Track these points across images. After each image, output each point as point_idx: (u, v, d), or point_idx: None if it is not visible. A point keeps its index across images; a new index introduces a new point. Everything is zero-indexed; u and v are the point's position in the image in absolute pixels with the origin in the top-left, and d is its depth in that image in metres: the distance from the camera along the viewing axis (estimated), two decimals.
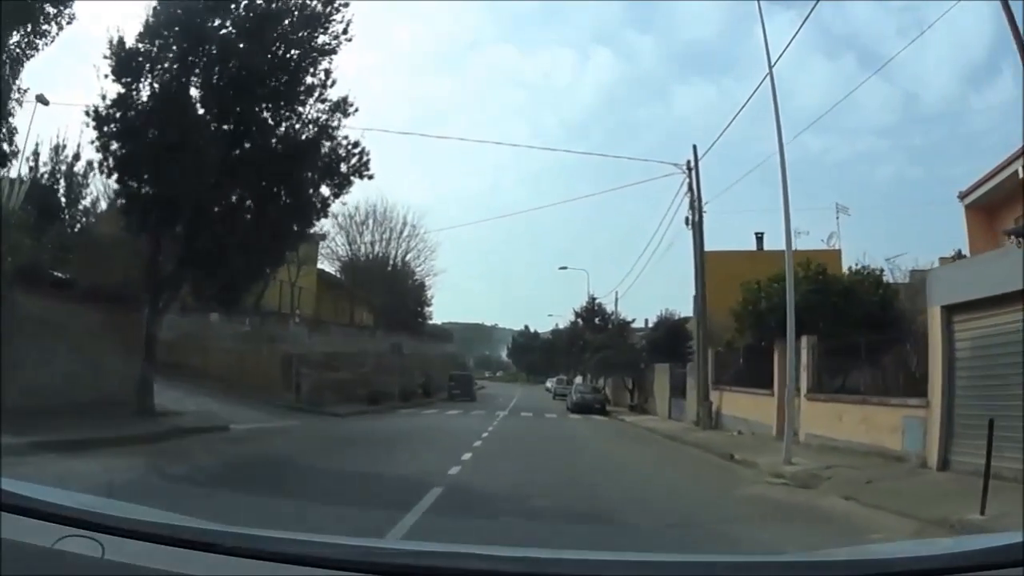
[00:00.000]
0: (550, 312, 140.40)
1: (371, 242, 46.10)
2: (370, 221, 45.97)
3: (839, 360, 16.54)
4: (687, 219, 24.37)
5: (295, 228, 16.36)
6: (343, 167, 15.81)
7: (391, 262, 47.30)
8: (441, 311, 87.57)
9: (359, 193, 69.36)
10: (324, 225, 42.85)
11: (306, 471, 8.63)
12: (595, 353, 36.60)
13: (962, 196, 20.48)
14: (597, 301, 46.36)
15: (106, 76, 15.43)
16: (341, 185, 15.97)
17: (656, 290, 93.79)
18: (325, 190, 16.31)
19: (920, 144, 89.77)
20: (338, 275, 45.24)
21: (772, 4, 71.16)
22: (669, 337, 33.72)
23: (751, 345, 19.76)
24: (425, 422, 23.62)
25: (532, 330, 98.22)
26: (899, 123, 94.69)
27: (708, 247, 35.05)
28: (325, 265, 44.31)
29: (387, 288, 44.90)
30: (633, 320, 40.61)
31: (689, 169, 25.39)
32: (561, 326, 67.35)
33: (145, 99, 15.51)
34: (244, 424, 17.82)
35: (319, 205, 16.15)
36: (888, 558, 1.81)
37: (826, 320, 17.01)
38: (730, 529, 6.74)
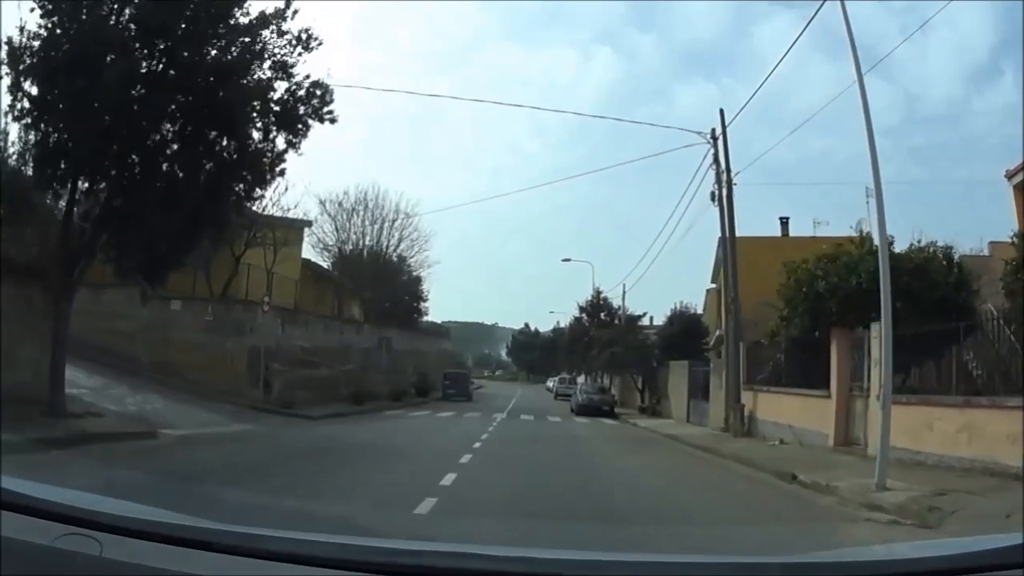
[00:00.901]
0: (552, 309, 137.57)
1: (361, 231, 42.88)
2: (360, 208, 42.79)
3: (907, 353, 13.49)
4: (713, 193, 21.22)
5: (241, 187, 13.13)
6: (300, 109, 12.59)
7: (383, 252, 44.06)
8: (440, 309, 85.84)
9: (349, 179, 66.70)
10: (310, 212, 40.05)
11: (202, 507, 5.48)
12: (603, 350, 33.32)
13: (1010, 176, 17.99)
14: (603, 295, 43.13)
15: (32, 10, 12.52)
16: (297, 132, 12.77)
17: (664, 285, 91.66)
18: (280, 142, 13.10)
19: (922, 144, 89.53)
20: (330, 269, 42.03)
21: (774, 4, 70.16)
22: (685, 333, 30.59)
23: (797, 338, 16.56)
24: (410, 426, 20.45)
25: (533, 328, 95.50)
26: (901, 123, 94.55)
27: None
28: (315, 256, 41.30)
29: (379, 280, 41.74)
30: (645, 314, 37.34)
31: (714, 138, 22.25)
32: (563, 324, 64.88)
33: (71, 30, 12.45)
34: (184, 429, 14.77)
35: (270, 158, 12.93)
36: (888, 559, 1.79)
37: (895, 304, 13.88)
38: None
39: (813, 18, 17.67)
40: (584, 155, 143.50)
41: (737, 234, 28.90)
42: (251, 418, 18.49)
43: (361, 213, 42.72)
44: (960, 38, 76.65)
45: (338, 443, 13.88)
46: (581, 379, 49.62)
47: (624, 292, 39.75)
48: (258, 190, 13.86)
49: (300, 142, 12.82)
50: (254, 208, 22.89)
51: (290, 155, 13.39)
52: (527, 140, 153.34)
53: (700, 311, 35.31)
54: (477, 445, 13.80)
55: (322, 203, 41.65)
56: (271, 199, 25.60)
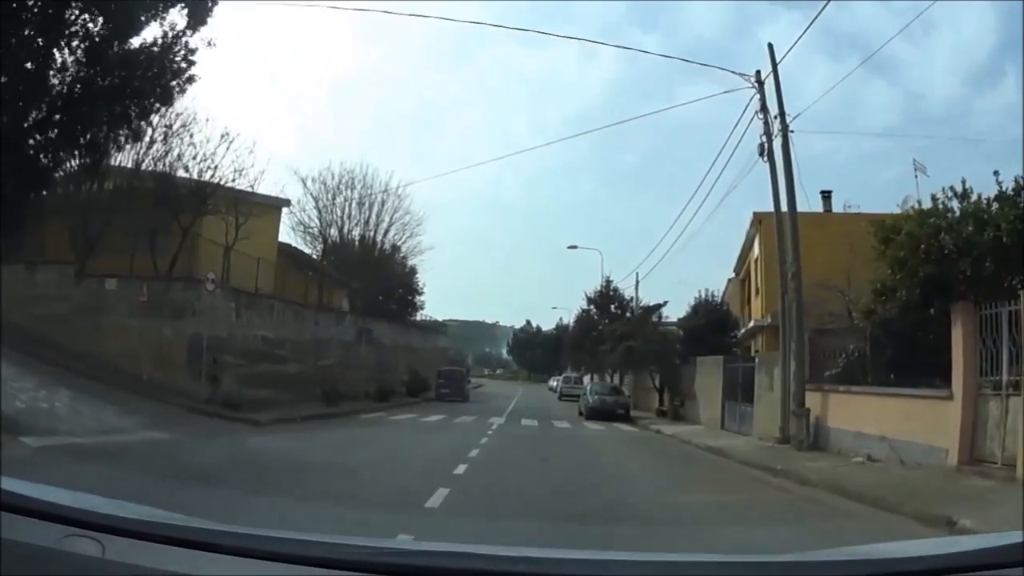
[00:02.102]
0: (555, 304, 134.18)
1: (347, 214, 38.56)
2: (346, 189, 38.47)
3: None
4: (761, 146, 17.11)
5: (128, 91, 9.08)
6: None
7: (372, 238, 39.81)
8: (441, 308, 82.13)
9: (335, 157, 62.61)
10: (293, 192, 36.02)
11: None
12: (616, 344, 29.14)
13: None
14: (613, 285, 38.87)
15: None
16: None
17: (673, 278, 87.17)
18: (180, 23, 9.06)
19: (923, 146, 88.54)
20: (318, 256, 37.88)
21: (776, 5, 70.39)
22: (712, 325, 26.49)
23: (890, 320, 12.53)
24: (383, 435, 16.30)
25: (534, 325, 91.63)
26: (902, 124, 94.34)
27: (755, 208, 27.92)
28: (302, 245, 37.17)
29: (367, 268, 37.58)
30: (665, 303, 33.06)
31: (760, 83, 18.19)
32: (567, 320, 61.05)
33: None
34: (64, 436, 11.01)
35: (164, 46, 8.87)
36: (888, 558, 1.77)
37: None
38: None
39: (816, 18, 14.97)
40: (585, 153, 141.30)
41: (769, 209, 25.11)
42: (177, 422, 14.49)
43: (346, 192, 38.33)
44: (962, 39, 74.61)
45: (259, 465, 9.61)
46: (587, 378, 45.66)
47: (637, 281, 35.61)
48: (157, 103, 9.75)
49: (205, 18, 8.75)
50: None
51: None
52: (528, 138, 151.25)
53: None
54: (460, 470, 9.54)
55: (303, 181, 37.35)
56: (233, 166, 21.65)
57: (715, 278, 49.83)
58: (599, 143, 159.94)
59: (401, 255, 42.96)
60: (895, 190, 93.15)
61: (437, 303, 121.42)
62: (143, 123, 10.74)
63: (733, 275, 35.94)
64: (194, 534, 1.67)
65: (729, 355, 23.15)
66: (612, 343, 29.94)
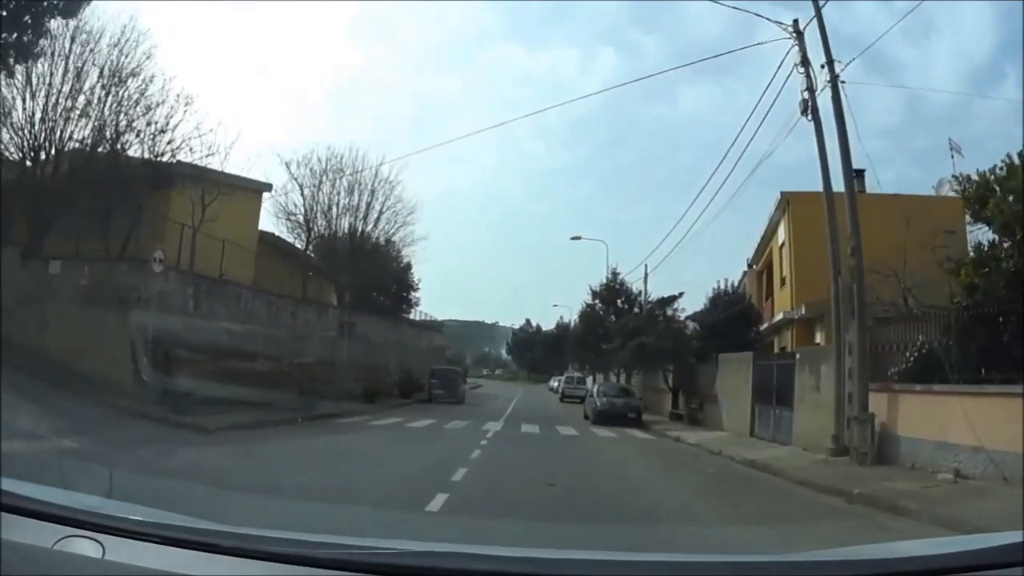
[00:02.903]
0: (555, 302, 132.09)
1: (334, 201, 35.71)
2: (332, 173, 35.56)
3: None
4: (804, 103, 14.57)
5: None
6: None
7: (361, 227, 37.01)
8: (439, 308, 79.65)
9: (321, 139, 60.06)
10: (272, 176, 33.25)
11: None
12: (626, 341, 26.50)
13: None
14: (620, 277, 36.16)
15: None
16: None
17: (676, 275, 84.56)
18: None
19: (922, 146, 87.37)
20: (303, 247, 35.12)
21: (776, 5, 69.44)
22: (734, 319, 23.90)
23: (969, 303, 10.00)
24: (354, 446, 13.64)
25: (534, 324, 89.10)
26: (901, 125, 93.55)
27: (785, 188, 25.30)
28: (291, 237, 34.47)
29: (357, 259, 34.88)
30: (681, 294, 30.29)
31: (799, 33, 15.66)
32: (567, 318, 58.44)
33: None
34: None
35: None
36: (888, 558, 1.73)
37: None
38: None
39: (814, 19, 14.22)
40: (585, 155, 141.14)
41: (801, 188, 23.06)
42: (104, 428, 12.01)
43: (332, 177, 35.40)
44: (962, 40, 72.73)
45: (156, 488, 7.05)
46: (590, 379, 43.19)
47: (647, 273, 32.90)
48: (56, 12, 7.20)
49: None
50: None
51: None
52: (529, 139, 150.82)
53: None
54: (437, 503, 6.90)
55: (287, 164, 34.35)
56: (196, 132, 19.12)
57: (721, 276, 47.38)
58: (600, 143, 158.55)
59: (396, 249, 40.33)
60: (894, 189, 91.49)
61: (436, 303, 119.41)
62: (40, 38, 8.16)
63: (747, 268, 33.44)
64: (193, 534, 1.67)
65: (756, 351, 20.58)
66: (621, 339, 27.30)
